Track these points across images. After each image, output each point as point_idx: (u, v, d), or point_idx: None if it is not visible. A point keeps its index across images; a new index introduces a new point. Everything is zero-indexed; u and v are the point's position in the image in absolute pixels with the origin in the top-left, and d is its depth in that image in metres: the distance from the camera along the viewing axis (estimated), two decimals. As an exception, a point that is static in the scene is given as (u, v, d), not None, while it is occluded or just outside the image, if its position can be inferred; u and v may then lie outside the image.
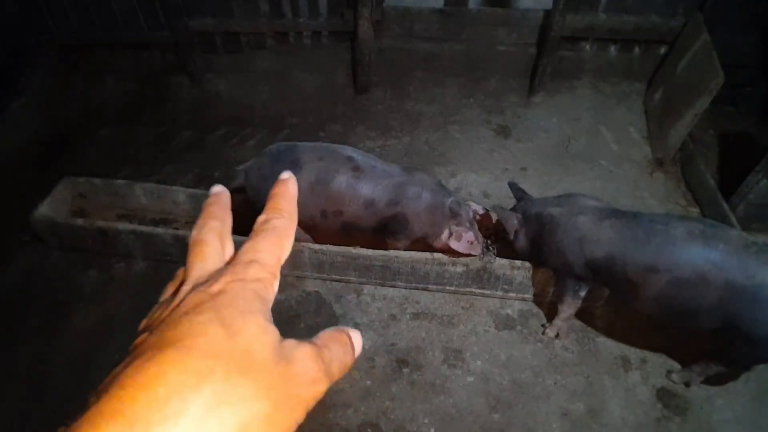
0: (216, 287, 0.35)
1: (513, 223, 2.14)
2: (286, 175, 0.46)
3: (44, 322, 2.37)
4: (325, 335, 0.39)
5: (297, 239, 2.39)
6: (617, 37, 3.51)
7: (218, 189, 0.46)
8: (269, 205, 0.43)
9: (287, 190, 0.44)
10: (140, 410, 0.26)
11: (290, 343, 0.35)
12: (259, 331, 0.33)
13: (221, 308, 0.33)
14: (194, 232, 0.42)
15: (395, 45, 3.71)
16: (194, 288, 0.36)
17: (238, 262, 0.38)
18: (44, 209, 2.54)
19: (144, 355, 0.29)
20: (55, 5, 3.52)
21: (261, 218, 0.42)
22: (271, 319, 0.36)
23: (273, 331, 0.35)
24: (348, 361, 0.39)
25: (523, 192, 2.28)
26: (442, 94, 3.72)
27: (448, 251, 2.22)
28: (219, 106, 3.70)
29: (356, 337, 0.42)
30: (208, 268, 0.39)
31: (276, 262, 0.40)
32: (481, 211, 2.30)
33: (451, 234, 2.18)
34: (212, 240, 0.41)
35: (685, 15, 3.30)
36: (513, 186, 2.32)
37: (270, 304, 0.37)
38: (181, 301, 0.35)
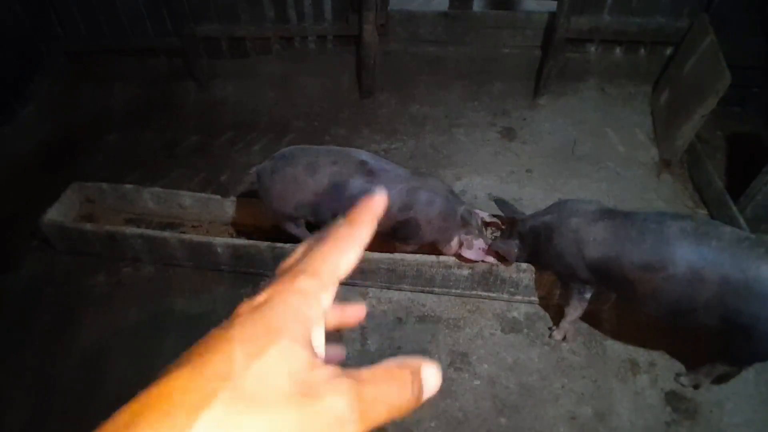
0: (260, 298, 0.33)
1: (513, 251, 2.18)
2: (381, 192, 0.41)
3: (52, 325, 2.38)
4: (380, 369, 0.33)
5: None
6: (622, 39, 3.50)
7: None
8: (347, 214, 0.39)
9: (371, 204, 0.40)
10: (139, 424, 0.25)
11: (324, 372, 0.30)
12: (281, 356, 0.29)
13: (250, 325, 0.31)
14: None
15: (400, 49, 3.72)
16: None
17: (290, 270, 0.35)
18: (53, 214, 2.56)
19: (172, 365, 0.28)
20: (63, 12, 3.57)
21: (332, 226, 0.38)
22: (309, 337, 0.32)
23: (299, 356, 0.30)
24: (403, 403, 0.32)
25: (514, 210, 2.32)
26: (447, 97, 3.72)
27: (460, 258, 2.23)
28: (225, 111, 3.73)
29: (429, 373, 0.34)
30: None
31: (330, 271, 0.35)
32: (488, 219, 2.30)
33: (461, 243, 2.19)
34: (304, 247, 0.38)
35: (690, 16, 3.29)
36: (501, 204, 2.38)
37: (312, 321, 0.33)
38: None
